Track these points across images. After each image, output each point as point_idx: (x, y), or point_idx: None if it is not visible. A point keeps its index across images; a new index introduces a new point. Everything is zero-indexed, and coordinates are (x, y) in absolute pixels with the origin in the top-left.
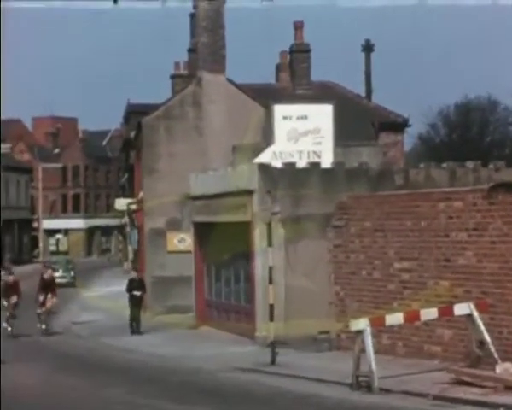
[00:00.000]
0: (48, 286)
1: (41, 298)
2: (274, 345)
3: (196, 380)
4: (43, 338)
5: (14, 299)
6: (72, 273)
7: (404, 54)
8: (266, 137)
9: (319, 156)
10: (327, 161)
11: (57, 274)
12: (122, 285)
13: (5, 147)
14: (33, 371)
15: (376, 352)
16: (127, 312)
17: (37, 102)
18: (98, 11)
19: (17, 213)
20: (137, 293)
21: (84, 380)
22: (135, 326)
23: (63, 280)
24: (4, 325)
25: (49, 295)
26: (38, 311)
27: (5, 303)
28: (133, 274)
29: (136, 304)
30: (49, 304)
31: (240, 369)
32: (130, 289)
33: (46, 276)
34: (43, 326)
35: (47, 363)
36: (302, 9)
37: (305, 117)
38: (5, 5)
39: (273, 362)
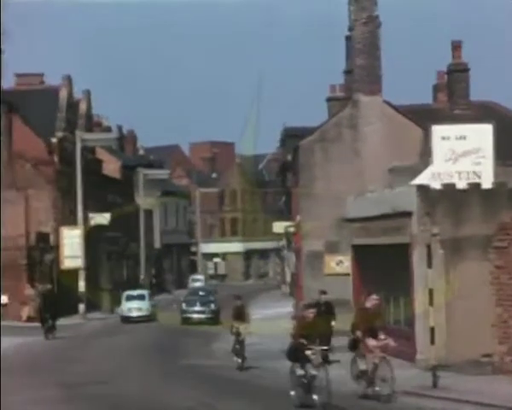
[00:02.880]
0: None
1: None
2: (435, 368)
3: (357, 403)
4: None
5: None
6: (212, 307)
7: None
8: (424, 158)
9: (479, 177)
10: (487, 182)
11: (192, 308)
12: (280, 308)
13: (164, 172)
14: (184, 393)
15: None
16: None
17: (195, 128)
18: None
19: (176, 237)
20: None
21: (243, 405)
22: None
23: (201, 316)
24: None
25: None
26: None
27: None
28: (322, 297)
29: (327, 336)
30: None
31: (401, 392)
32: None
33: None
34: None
35: (207, 386)
36: (459, 28)
37: (464, 137)
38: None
39: (435, 385)
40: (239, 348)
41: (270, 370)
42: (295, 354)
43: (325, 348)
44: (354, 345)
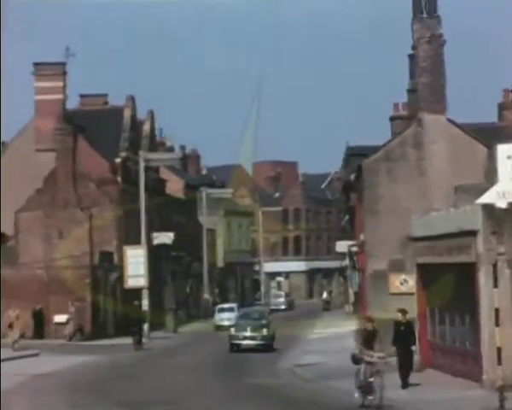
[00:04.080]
0: None
1: None
2: (502, 389)
3: None
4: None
5: None
6: (264, 332)
7: None
8: (489, 177)
9: None
10: None
11: (242, 334)
12: (343, 327)
13: (227, 191)
14: None
15: None
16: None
17: (258, 148)
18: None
19: (239, 256)
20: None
21: None
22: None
23: (251, 342)
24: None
25: None
26: None
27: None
28: (399, 316)
29: (406, 357)
30: None
31: None
32: (397, 336)
33: None
34: None
35: (271, 404)
36: None
37: None
38: None
39: (502, 407)
40: (370, 381)
41: (332, 388)
42: None
43: None
44: None
